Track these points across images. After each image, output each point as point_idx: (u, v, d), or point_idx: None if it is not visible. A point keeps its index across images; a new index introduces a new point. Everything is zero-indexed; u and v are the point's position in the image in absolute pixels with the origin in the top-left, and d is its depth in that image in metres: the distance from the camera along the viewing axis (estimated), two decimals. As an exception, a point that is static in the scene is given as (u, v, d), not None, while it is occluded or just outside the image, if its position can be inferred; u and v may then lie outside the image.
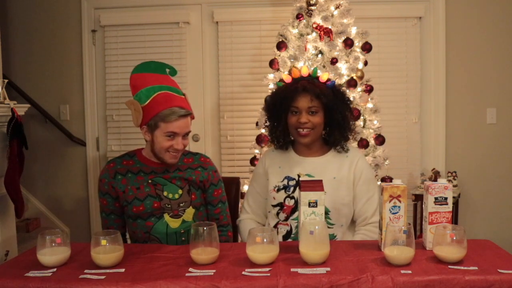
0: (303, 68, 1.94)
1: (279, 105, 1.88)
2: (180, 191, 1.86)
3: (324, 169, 1.86)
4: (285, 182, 1.89)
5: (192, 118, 1.92)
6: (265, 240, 1.39)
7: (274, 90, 1.99)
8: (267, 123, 2.00)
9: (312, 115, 1.83)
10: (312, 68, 1.94)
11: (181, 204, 1.85)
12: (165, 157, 1.83)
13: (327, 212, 1.79)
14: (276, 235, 1.43)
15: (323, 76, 1.92)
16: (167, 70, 1.97)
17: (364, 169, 1.89)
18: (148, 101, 1.81)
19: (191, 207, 1.87)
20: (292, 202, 1.86)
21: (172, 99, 1.82)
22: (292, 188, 1.87)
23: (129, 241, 1.95)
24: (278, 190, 1.88)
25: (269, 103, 1.97)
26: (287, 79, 1.93)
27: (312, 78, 1.92)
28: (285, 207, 1.86)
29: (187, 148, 1.98)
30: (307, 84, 1.85)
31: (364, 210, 1.85)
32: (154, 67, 1.95)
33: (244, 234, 1.92)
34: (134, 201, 1.84)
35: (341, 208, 1.83)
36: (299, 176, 1.87)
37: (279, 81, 1.98)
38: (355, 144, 2.70)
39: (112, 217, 1.91)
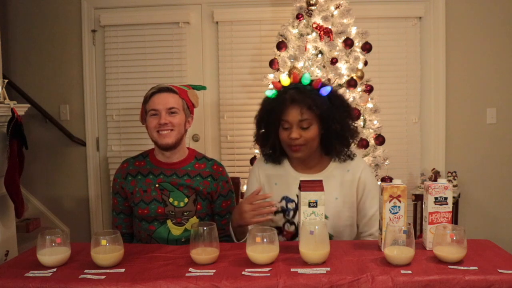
0: (292, 75, 1.71)
1: (267, 118, 1.71)
2: (186, 200, 1.85)
3: (325, 188, 1.66)
4: (283, 204, 1.74)
5: (191, 104, 1.90)
6: (265, 240, 1.39)
7: (263, 99, 1.78)
8: (257, 137, 1.81)
9: (304, 129, 1.65)
10: (302, 74, 1.73)
11: (185, 213, 1.84)
12: (157, 138, 1.82)
13: (330, 238, 1.60)
14: (276, 235, 1.42)
15: (316, 82, 1.69)
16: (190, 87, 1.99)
17: (367, 183, 1.74)
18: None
19: (195, 217, 1.86)
20: (292, 228, 1.72)
21: (159, 84, 1.87)
22: (291, 213, 1.72)
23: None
24: (276, 212, 1.72)
25: (258, 115, 1.78)
26: (278, 86, 1.73)
27: (303, 86, 1.68)
28: (285, 233, 1.74)
29: (196, 148, 1.97)
30: (296, 95, 1.64)
31: (369, 227, 1.74)
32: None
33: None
34: (140, 203, 1.84)
35: (344, 231, 1.72)
36: (298, 197, 1.72)
37: (270, 89, 1.77)
38: (355, 145, 2.70)
39: (121, 216, 1.93)
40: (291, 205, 1.73)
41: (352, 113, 1.77)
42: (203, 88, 2.08)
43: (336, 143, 1.70)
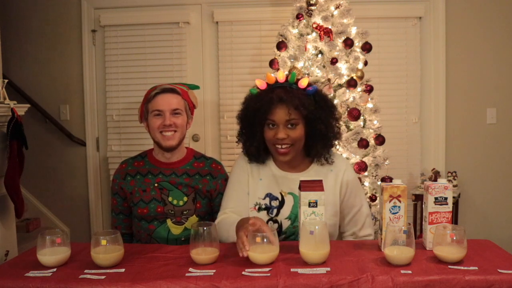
0: (279, 73, 1.69)
1: (253, 117, 1.67)
2: (185, 198, 1.85)
3: None
4: (267, 201, 1.72)
5: (192, 105, 1.90)
6: (265, 240, 1.39)
7: (247, 97, 1.75)
8: (240, 136, 1.78)
9: (291, 128, 1.63)
10: (290, 73, 1.71)
11: (184, 212, 1.84)
12: (160, 140, 1.82)
13: None
14: (277, 235, 1.42)
15: (303, 81, 1.67)
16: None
17: (350, 182, 1.74)
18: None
19: (194, 215, 1.86)
20: (275, 226, 1.70)
21: (162, 84, 1.87)
22: (275, 211, 1.71)
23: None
24: (260, 209, 1.72)
25: (241, 114, 1.75)
26: (261, 85, 1.69)
27: (290, 85, 1.68)
28: None
29: (196, 148, 1.96)
30: (283, 94, 1.62)
31: (352, 225, 1.76)
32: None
33: (225, 229, 1.63)
34: (139, 203, 1.84)
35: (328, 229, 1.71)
36: (282, 195, 1.72)
37: (253, 87, 1.74)
38: (355, 145, 2.70)
39: (120, 217, 1.93)
40: (274, 203, 1.72)
41: (336, 113, 1.76)
42: (197, 87, 2.08)
43: (319, 144, 1.70)
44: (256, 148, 1.72)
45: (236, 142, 1.82)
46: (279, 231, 1.71)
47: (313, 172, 1.75)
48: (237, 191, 1.78)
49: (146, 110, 1.85)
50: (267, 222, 1.71)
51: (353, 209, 1.75)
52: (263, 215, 1.71)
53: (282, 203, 1.72)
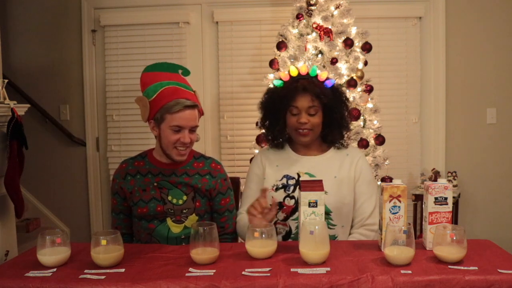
0: (302, 66, 1.89)
1: (278, 104, 1.84)
2: (184, 197, 1.85)
3: (324, 167, 1.83)
4: (284, 181, 1.85)
5: (202, 113, 1.89)
6: (263, 236, 1.42)
7: (270, 88, 1.95)
8: (263, 122, 1.95)
9: (311, 115, 1.80)
10: (311, 67, 1.89)
11: (184, 211, 1.84)
12: (172, 153, 1.81)
13: (328, 213, 1.76)
14: (275, 230, 1.45)
15: (322, 74, 1.87)
16: (180, 70, 1.95)
17: (364, 169, 1.87)
18: (155, 95, 1.80)
19: (194, 214, 1.86)
20: (292, 202, 1.82)
21: (179, 92, 1.81)
22: (292, 188, 1.84)
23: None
24: (277, 189, 1.85)
25: (266, 101, 1.92)
26: (285, 77, 1.89)
27: (311, 77, 1.87)
28: (284, 207, 1.83)
29: (195, 148, 1.94)
30: (307, 84, 1.81)
31: (361, 212, 1.83)
32: (166, 66, 1.95)
33: (242, 228, 1.84)
34: (139, 202, 1.85)
35: (342, 208, 1.80)
36: (299, 175, 1.84)
37: (278, 78, 1.92)
38: (355, 144, 2.70)
39: (121, 216, 1.93)
40: (291, 181, 1.84)
41: (348, 107, 1.93)
42: (188, 73, 2.00)
43: (334, 131, 1.87)
44: (279, 131, 1.88)
45: (259, 127, 2.02)
46: (295, 207, 1.80)
47: (330, 155, 1.89)
48: (254, 186, 1.92)
49: (161, 117, 1.78)
50: (284, 198, 1.83)
51: (363, 196, 1.84)
52: (281, 193, 1.84)
53: (298, 181, 1.81)
